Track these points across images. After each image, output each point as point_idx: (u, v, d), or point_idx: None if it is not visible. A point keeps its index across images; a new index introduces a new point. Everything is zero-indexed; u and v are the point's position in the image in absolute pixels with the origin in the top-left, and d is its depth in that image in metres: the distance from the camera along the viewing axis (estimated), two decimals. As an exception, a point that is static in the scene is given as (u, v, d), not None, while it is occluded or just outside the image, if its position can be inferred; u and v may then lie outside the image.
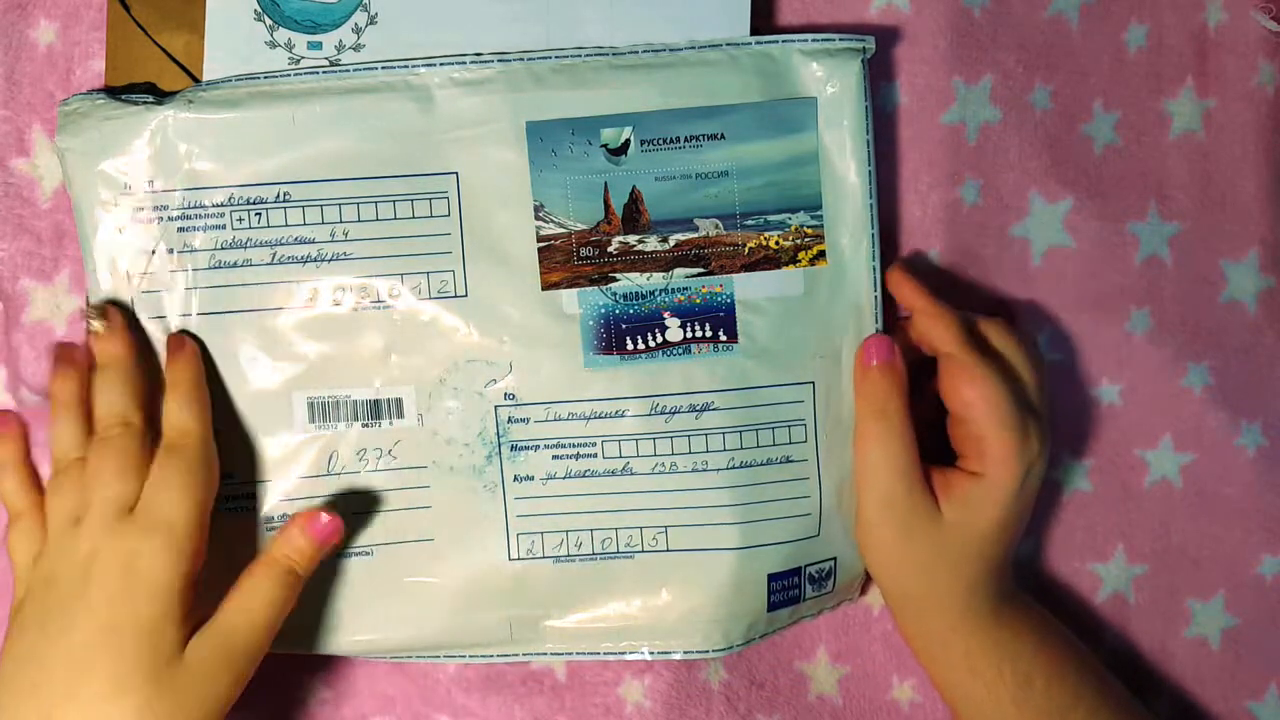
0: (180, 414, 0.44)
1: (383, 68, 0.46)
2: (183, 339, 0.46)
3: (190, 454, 0.43)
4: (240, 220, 0.46)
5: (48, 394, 0.46)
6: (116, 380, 0.44)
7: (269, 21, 0.46)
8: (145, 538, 0.41)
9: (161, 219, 0.46)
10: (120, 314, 0.45)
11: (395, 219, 0.46)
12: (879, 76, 0.50)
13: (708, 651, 0.48)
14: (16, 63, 0.48)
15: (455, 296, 0.46)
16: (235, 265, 0.46)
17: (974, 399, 0.45)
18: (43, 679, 0.41)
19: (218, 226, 0.46)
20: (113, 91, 0.47)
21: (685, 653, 0.48)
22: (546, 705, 0.52)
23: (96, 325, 0.45)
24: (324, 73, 0.46)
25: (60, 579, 0.42)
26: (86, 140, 0.45)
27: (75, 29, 0.48)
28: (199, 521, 0.43)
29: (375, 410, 0.47)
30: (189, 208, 0.46)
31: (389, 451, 0.47)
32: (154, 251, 0.46)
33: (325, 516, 0.45)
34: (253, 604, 0.43)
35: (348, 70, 0.46)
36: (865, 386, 0.47)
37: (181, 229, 0.46)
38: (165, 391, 0.45)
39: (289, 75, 0.46)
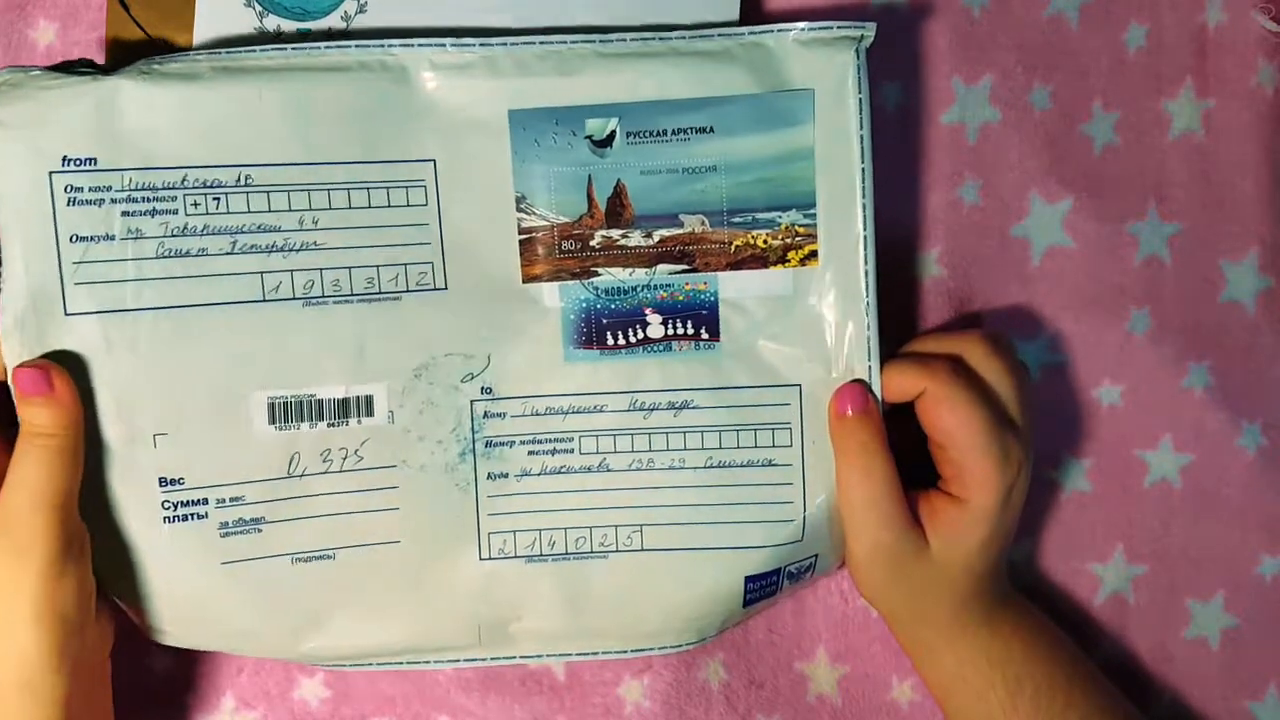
0: None
1: (356, 45, 0.43)
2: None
3: None
4: (195, 205, 0.42)
5: None
6: None
7: (258, 8, 0.46)
8: None
9: (104, 201, 0.42)
10: None
11: (369, 207, 0.44)
12: (879, 76, 0.50)
13: (680, 645, 0.48)
14: (16, 63, 0.48)
15: (433, 289, 0.45)
16: (189, 254, 0.43)
17: (952, 428, 0.44)
18: None
19: (169, 211, 0.42)
20: (53, 67, 0.43)
21: (661, 648, 0.48)
22: (546, 705, 0.52)
23: None
24: (294, 49, 0.43)
25: None
26: (18, 112, 0.41)
27: (75, 29, 0.48)
28: None
29: (343, 409, 0.45)
30: (136, 189, 0.42)
31: (355, 452, 0.45)
32: (94, 238, 0.42)
33: (28, 371, 0.41)
34: (25, 479, 0.40)
35: (319, 47, 0.43)
36: (842, 435, 0.46)
37: (127, 213, 0.42)
38: None
39: (255, 51, 0.43)
